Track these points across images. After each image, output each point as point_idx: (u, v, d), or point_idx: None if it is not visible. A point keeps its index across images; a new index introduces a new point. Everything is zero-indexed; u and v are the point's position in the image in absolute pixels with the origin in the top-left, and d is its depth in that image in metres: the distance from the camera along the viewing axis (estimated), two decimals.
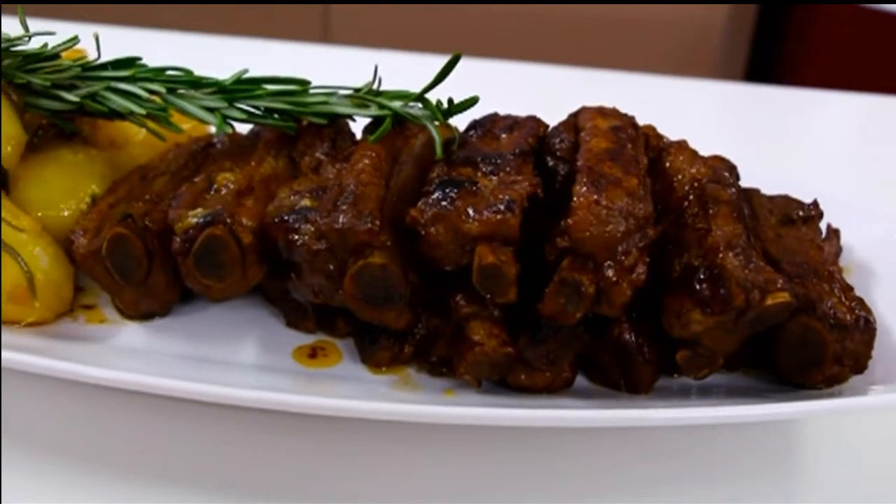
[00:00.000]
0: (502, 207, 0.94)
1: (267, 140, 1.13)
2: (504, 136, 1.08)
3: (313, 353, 1.05)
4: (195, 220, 0.99)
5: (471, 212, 0.94)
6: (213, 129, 1.21)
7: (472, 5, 3.39)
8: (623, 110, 1.13)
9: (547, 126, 1.13)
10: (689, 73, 3.19)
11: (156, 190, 1.13)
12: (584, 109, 1.11)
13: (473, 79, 1.14)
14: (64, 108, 1.15)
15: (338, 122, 1.14)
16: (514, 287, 0.93)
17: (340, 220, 0.95)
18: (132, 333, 1.07)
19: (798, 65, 3.55)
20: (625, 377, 0.99)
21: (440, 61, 1.07)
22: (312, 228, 0.96)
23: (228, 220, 0.99)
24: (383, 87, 1.14)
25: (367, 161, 1.04)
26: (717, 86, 2.36)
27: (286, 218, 0.98)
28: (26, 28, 1.15)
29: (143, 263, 1.03)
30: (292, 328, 1.09)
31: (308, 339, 1.07)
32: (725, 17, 3.41)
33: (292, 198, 1.02)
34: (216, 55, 1.23)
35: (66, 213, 1.11)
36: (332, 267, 0.97)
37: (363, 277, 0.95)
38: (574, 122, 1.09)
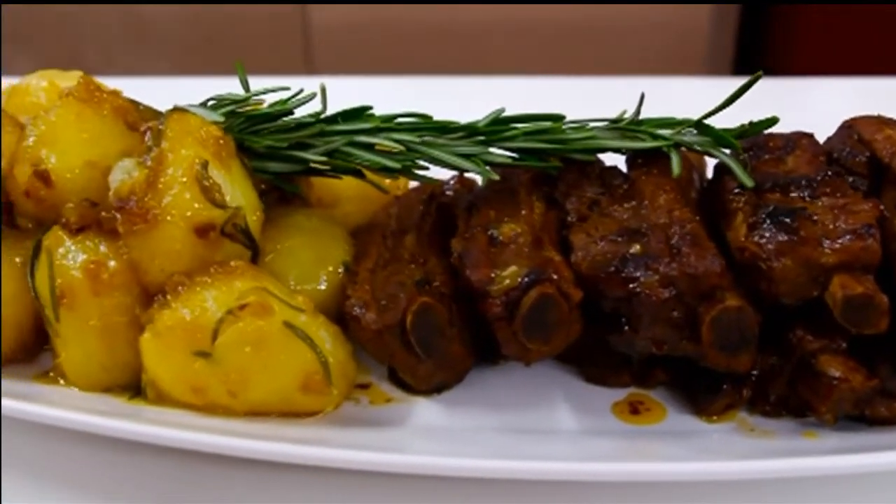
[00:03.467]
0: (863, 233, 0.88)
1: (526, 183, 1.05)
2: (789, 157, 1.02)
3: (634, 409, 0.96)
4: (518, 279, 0.90)
5: (825, 241, 0.88)
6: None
7: (458, 12, 3.30)
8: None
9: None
10: (677, 73, 3.20)
11: (409, 248, 1.03)
12: (858, 121, 1.06)
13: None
14: (293, 169, 1.04)
15: (598, 158, 1.06)
16: (887, 316, 0.87)
17: (692, 263, 0.88)
18: (429, 410, 0.97)
19: (784, 56, 3.62)
20: None
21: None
22: (656, 277, 0.89)
23: (554, 276, 0.90)
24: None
25: (666, 196, 0.97)
26: (708, 82, 2.33)
27: (621, 268, 0.90)
28: (247, 87, 1.03)
29: (446, 333, 0.93)
30: (595, 384, 1.00)
31: (618, 395, 0.99)
32: (710, 15, 3.45)
33: (601, 244, 0.93)
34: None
35: (323, 287, 1.00)
36: (677, 314, 0.89)
37: (722, 322, 0.88)
38: (856, 136, 1.04)
